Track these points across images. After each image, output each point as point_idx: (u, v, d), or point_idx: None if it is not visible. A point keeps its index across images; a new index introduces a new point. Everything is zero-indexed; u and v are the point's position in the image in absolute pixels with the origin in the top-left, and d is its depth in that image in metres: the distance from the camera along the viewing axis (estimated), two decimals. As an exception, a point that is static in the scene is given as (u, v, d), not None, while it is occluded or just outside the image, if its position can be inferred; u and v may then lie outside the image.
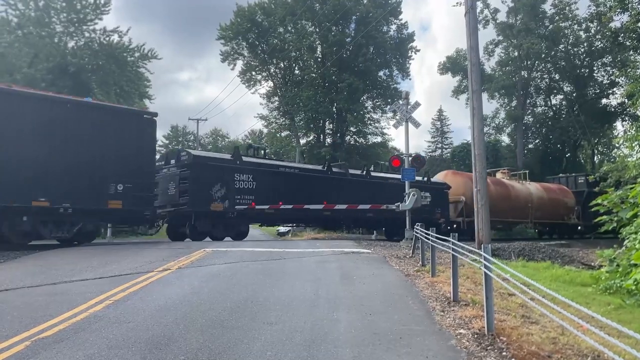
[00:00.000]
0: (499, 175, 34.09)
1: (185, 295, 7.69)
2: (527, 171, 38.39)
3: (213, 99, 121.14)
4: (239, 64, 48.03)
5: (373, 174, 26.77)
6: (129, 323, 6.08)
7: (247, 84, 48.85)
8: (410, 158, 20.45)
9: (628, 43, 32.91)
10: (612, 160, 47.59)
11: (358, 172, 26.44)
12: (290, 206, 21.17)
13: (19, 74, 25.46)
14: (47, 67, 26.32)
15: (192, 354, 4.98)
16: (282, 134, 51.48)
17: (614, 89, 51.35)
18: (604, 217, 13.01)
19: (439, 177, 30.98)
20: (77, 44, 29.27)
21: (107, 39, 29.39)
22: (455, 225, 27.76)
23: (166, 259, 11.62)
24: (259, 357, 4.91)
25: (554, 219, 33.84)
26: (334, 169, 25.07)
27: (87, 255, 12.44)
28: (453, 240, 7.97)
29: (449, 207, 28.92)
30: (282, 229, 37.30)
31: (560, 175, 41.70)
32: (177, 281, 8.94)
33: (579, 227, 35.21)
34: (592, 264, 17.21)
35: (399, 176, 21.22)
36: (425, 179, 27.65)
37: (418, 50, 50.19)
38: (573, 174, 40.21)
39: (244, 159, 21.21)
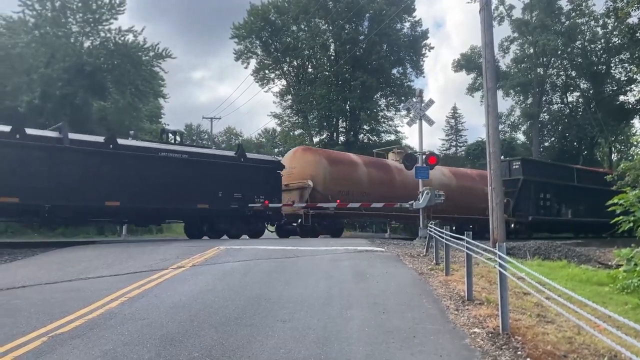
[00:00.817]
0: (391, 156, 28.12)
1: (199, 293, 7.73)
2: (436, 151, 34.00)
3: (226, 97, 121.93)
4: (253, 62, 48.24)
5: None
6: (144, 320, 6.13)
7: (260, 83, 49.03)
8: (424, 156, 20.33)
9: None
10: (630, 158, 46.91)
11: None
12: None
13: (36, 74, 25.81)
14: (64, 67, 26.63)
15: (206, 350, 5.01)
16: (295, 133, 51.53)
17: (632, 85, 50.66)
18: (621, 217, 12.80)
19: (288, 155, 24.70)
20: (92, 43, 29.56)
21: (122, 38, 29.65)
22: (300, 220, 21.86)
23: (180, 256, 11.70)
24: (272, 355, 4.92)
25: (471, 214, 27.55)
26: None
27: (103, 253, 12.57)
28: (467, 239, 7.91)
29: (295, 194, 22.55)
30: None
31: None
32: (191, 278, 9.00)
33: (512, 225, 28.86)
34: (609, 263, 16.97)
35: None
36: (236, 154, 20.73)
37: (432, 48, 50.34)
38: (507, 158, 33.68)
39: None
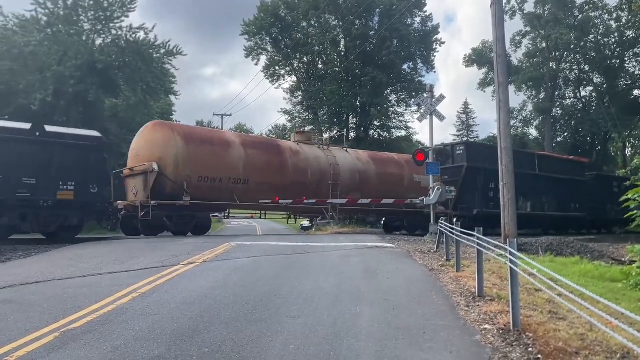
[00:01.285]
0: (295, 137, 24.04)
1: (210, 289, 7.77)
2: (351, 135, 29.10)
3: (237, 94, 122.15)
4: (263, 59, 48.22)
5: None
6: (155, 315, 6.18)
7: (270, 79, 49.02)
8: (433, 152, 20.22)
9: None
10: (644, 153, 46.35)
11: None
12: None
13: (49, 72, 26.05)
14: (76, 65, 26.86)
15: (216, 346, 5.03)
16: (306, 129, 51.51)
17: (646, 79, 49.93)
18: (635, 212, 12.66)
19: (138, 132, 19.69)
20: (104, 41, 29.80)
21: (134, 36, 29.86)
22: (143, 214, 16.98)
23: (191, 252, 11.76)
24: (282, 350, 4.93)
25: (396, 206, 23.43)
26: None
27: (115, 249, 12.68)
28: (478, 235, 7.87)
29: (139, 181, 18.20)
30: (305, 223, 37.43)
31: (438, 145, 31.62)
32: (201, 275, 9.05)
33: (454, 220, 26.54)
34: (623, 259, 16.81)
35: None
36: (32, 127, 16.14)
37: (443, 43, 49.62)
38: (450, 143, 29.43)
39: None
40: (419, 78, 48.35)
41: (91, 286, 7.99)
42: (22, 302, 6.94)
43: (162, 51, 31.12)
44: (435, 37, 47.94)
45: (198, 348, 4.96)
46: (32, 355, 4.73)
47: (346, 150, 24.78)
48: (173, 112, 47.23)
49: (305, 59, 48.28)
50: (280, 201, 20.21)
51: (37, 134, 15.76)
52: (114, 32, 29.62)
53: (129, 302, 6.86)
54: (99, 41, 29.69)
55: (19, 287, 7.98)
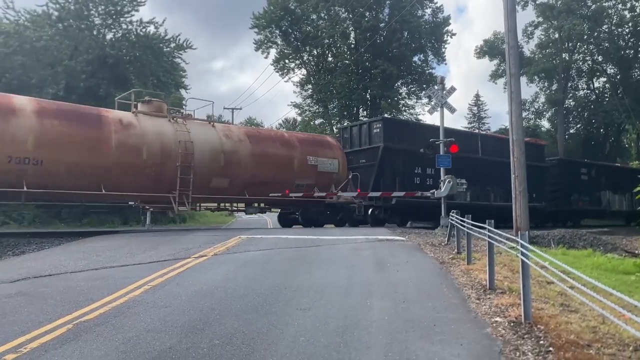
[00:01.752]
0: (139, 108, 17.58)
1: (221, 281, 7.81)
2: (221, 116, 26.40)
3: (247, 87, 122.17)
4: (273, 52, 48.15)
5: None
6: (166, 308, 6.22)
7: (280, 72, 48.97)
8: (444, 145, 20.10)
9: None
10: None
11: None
12: None
13: (60, 66, 26.20)
14: (87, 59, 27.00)
15: (227, 338, 5.06)
16: (316, 122, 51.45)
17: (661, 70, 49.20)
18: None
19: None
20: (115, 35, 29.88)
21: (144, 30, 29.90)
22: None
23: (202, 245, 11.82)
24: (293, 343, 4.95)
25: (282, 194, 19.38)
26: None
27: (127, 242, 12.78)
28: (489, 228, 7.83)
29: None
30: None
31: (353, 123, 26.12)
32: (212, 267, 9.10)
33: (370, 211, 21.81)
34: (636, 251, 16.66)
35: None
36: None
37: (454, 34, 49.28)
38: (366, 120, 25.84)
39: None
40: (430, 70, 48.06)
41: (103, 279, 8.07)
42: (35, 294, 7.02)
43: (172, 45, 31.15)
44: (446, 28, 47.57)
45: (209, 340, 4.99)
46: (45, 347, 4.79)
47: (212, 125, 19.27)
48: (184, 106, 47.33)
49: (315, 52, 48.14)
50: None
51: None
52: (124, 26, 29.70)
53: (141, 294, 6.92)
54: (109, 35, 29.79)
55: (33, 280, 8.08)
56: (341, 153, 22.02)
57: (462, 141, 24.01)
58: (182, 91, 35.87)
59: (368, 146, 22.43)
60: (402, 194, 21.44)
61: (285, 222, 23.56)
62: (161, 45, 30.47)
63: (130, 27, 29.64)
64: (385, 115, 23.13)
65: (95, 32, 28.74)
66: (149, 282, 7.65)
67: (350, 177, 22.05)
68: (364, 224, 22.58)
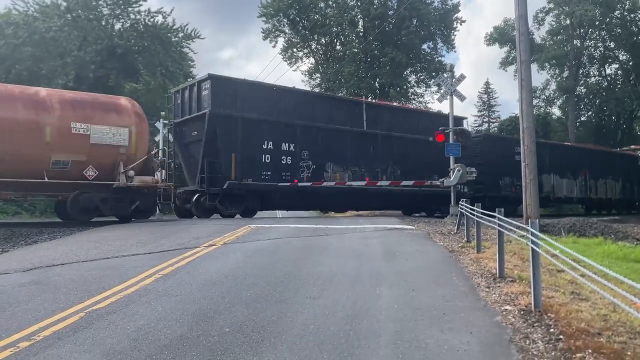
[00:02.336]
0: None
1: (231, 270, 7.86)
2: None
3: (255, 77, 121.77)
4: (280, 41, 47.96)
5: None
6: (177, 296, 6.27)
7: (288, 62, 48.79)
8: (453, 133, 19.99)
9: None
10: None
11: None
12: None
13: (70, 57, 26.30)
14: (96, 50, 27.08)
15: (237, 326, 5.09)
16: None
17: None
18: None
19: None
20: (123, 26, 29.90)
21: (152, 20, 29.90)
22: None
23: (212, 235, 11.88)
24: (302, 330, 4.97)
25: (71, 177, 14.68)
26: None
27: (138, 232, 12.87)
28: (499, 216, 7.80)
29: None
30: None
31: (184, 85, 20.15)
32: (222, 256, 9.14)
33: (195, 198, 17.85)
34: (648, 240, 16.53)
35: None
36: None
37: (463, 21, 48.88)
38: (193, 79, 21.47)
39: None
40: (439, 58, 47.64)
41: (115, 268, 8.14)
42: (48, 283, 7.11)
43: (180, 35, 31.15)
44: (455, 15, 47.07)
45: (219, 328, 5.03)
46: (58, 335, 4.85)
47: None
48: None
49: (323, 41, 47.87)
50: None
51: None
52: (132, 16, 29.69)
53: (152, 283, 6.98)
54: (118, 26, 29.82)
55: (45, 269, 8.17)
56: (137, 120, 15.90)
57: (341, 110, 20.96)
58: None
59: (196, 113, 17.96)
60: (410, 182, 21.37)
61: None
62: (169, 35, 30.47)
63: (138, 17, 29.66)
64: (212, 74, 17.84)
65: (103, 23, 28.79)
66: (159, 271, 7.71)
67: (166, 155, 17.70)
68: (188, 216, 18.46)
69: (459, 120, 23.04)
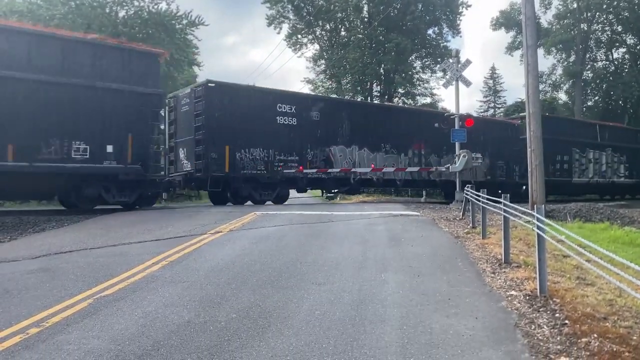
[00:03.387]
0: None
1: (237, 257, 7.90)
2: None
3: (259, 64, 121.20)
4: (285, 27, 47.64)
5: None
6: (184, 283, 6.32)
7: (293, 48, 48.51)
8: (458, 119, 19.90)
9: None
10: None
11: None
12: None
13: (74, 45, 26.24)
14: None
15: (244, 312, 5.14)
16: (330, 98, 51.11)
17: (683, 39, 47.82)
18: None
19: None
20: (127, 13, 29.78)
21: (156, 7, 29.77)
22: None
23: (218, 222, 11.93)
24: (308, 316, 5.01)
25: None
26: None
27: (144, 219, 12.94)
28: (505, 202, 7.79)
29: None
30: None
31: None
32: (228, 243, 9.19)
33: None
34: (655, 225, 16.47)
35: None
36: None
37: (469, 6, 48.04)
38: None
39: None
40: (445, 43, 47.20)
41: (122, 255, 8.20)
42: (56, 270, 7.17)
43: (185, 22, 30.99)
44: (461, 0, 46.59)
45: (226, 314, 5.07)
46: (66, 321, 4.91)
47: None
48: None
49: (327, 27, 47.52)
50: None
51: None
52: (136, 3, 29.59)
53: (159, 269, 7.03)
54: (121, 13, 29.71)
55: (53, 256, 8.24)
56: None
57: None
58: (195, 68, 35.78)
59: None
60: (416, 169, 21.36)
61: None
62: (173, 22, 30.31)
63: (142, 4, 29.55)
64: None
65: (107, 10, 28.68)
66: (166, 258, 7.76)
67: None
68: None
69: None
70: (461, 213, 13.90)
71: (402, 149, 23.10)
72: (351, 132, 21.60)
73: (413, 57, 46.69)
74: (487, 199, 9.51)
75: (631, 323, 4.78)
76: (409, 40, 42.67)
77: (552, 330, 4.61)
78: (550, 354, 4.08)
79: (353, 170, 21.13)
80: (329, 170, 20.53)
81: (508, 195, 7.91)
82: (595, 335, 4.36)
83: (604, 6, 48.75)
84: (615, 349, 4.09)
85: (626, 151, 33.40)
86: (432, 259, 7.88)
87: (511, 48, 54.94)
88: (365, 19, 45.97)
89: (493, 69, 70.12)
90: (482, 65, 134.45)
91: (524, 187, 18.90)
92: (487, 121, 32.56)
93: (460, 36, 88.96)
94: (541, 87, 51.24)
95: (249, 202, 19.08)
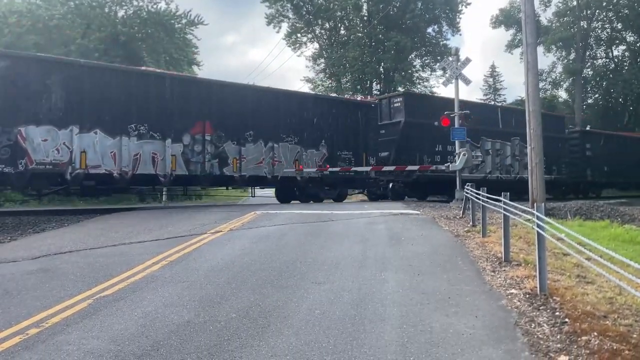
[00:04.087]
0: None
1: (237, 256, 7.90)
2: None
3: (259, 63, 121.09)
4: (284, 26, 47.62)
5: None
6: (184, 282, 6.32)
7: (292, 47, 48.49)
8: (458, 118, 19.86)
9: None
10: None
11: None
12: None
13: (74, 45, 26.25)
14: (100, 37, 27.00)
15: (244, 311, 5.13)
16: (330, 97, 51.09)
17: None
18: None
19: None
20: (126, 12, 29.77)
21: (155, 6, 29.77)
22: None
23: (218, 221, 11.93)
24: (308, 315, 5.00)
25: None
26: None
27: (145, 219, 12.94)
28: (505, 200, 7.78)
29: None
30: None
31: None
32: (228, 242, 9.19)
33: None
34: (655, 222, 16.42)
35: None
36: None
37: (469, 4, 48.03)
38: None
39: None
40: (444, 41, 47.18)
41: (122, 255, 8.20)
42: (56, 270, 7.17)
43: (184, 21, 30.97)
44: (460, -2, 46.53)
45: (226, 314, 5.07)
46: (66, 322, 4.91)
47: None
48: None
49: (327, 25, 47.49)
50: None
51: None
52: (135, 3, 29.59)
53: (159, 269, 7.03)
54: (121, 13, 29.70)
55: (53, 256, 8.24)
56: None
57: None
58: (195, 68, 35.75)
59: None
60: (416, 167, 21.32)
61: None
62: (172, 21, 30.31)
63: (141, 3, 29.55)
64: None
65: (106, 10, 28.67)
66: (166, 258, 7.76)
67: None
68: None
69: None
70: (461, 212, 13.89)
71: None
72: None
73: (413, 55, 46.68)
74: (487, 198, 9.50)
75: (631, 321, 4.78)
76: (408, 39, 42.65)
77: (552, 328, 4.61)
78: (550, 353, 4.08)
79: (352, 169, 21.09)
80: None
81: (508, 194, 7.90)
82: (595, 334, 4.35)
83: (604, 3, 48.72)
84: (615, 347, 4.08)
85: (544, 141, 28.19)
86: (432, 257, 7.87)
87: (511, 46, 54.92)
88: (365, 18, 45.94)
89: (493, 67, 70.03)
90: (482, 64, 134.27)
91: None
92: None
93: (460, 34, 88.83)
94: (541, 85, 51.19)
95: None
